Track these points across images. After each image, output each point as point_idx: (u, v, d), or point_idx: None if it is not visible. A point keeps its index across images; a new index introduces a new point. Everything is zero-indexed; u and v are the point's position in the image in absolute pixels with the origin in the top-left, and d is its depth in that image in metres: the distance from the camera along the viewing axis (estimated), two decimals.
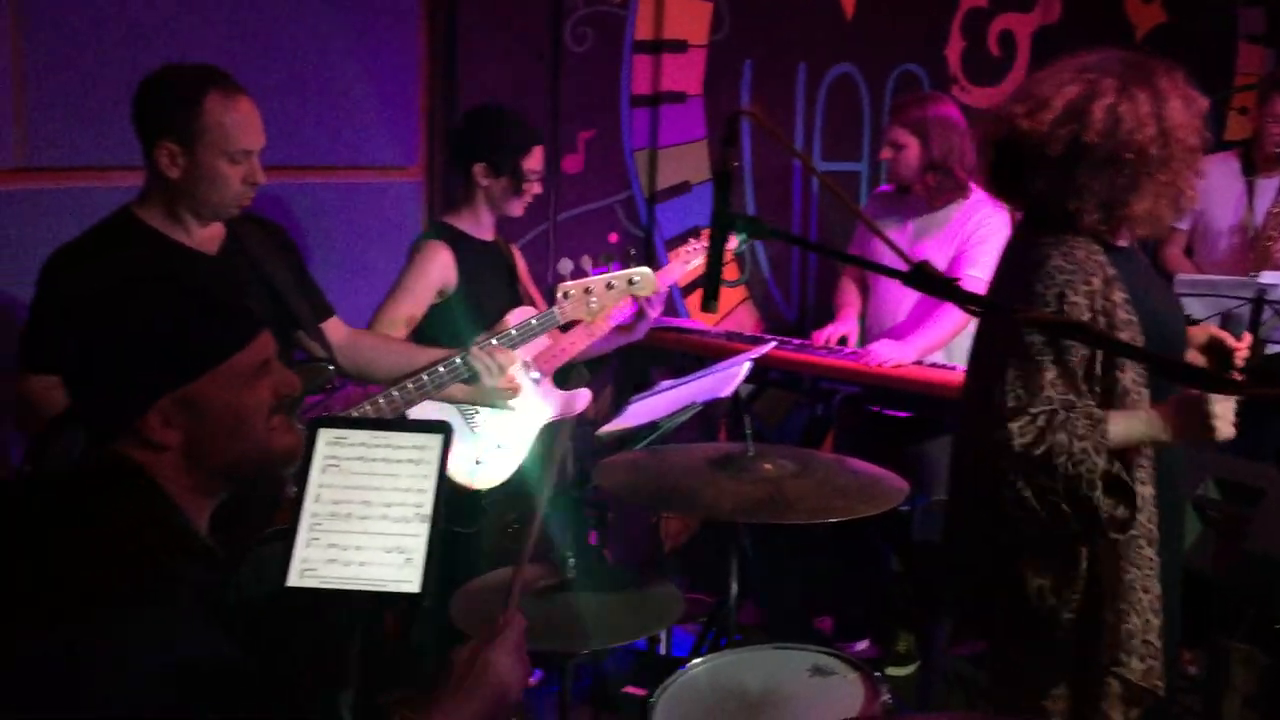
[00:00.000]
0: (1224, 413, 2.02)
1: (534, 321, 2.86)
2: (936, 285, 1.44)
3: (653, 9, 4.21)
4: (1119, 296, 2.10)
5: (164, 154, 2.25)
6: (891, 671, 3.75)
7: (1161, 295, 2.29)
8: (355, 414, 2.55)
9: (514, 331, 2.81)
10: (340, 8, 3.42)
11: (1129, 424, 2.03)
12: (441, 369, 2.65)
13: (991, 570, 2.17)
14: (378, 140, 3.54)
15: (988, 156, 2.24)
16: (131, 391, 1.47)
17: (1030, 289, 2.08)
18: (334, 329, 2.66)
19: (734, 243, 3.57)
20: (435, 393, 2.67)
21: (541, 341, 3.10)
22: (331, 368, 2.52)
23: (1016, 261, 2.20)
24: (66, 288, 2.22)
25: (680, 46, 4.30)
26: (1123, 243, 2.20)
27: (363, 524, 1.85)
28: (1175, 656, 2.31)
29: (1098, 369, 2.07)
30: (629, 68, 4.18)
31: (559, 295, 2.91)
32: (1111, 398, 2.06)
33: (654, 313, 3.24)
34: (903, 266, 1.47)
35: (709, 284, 1.60)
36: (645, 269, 2.97)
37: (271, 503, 2.31)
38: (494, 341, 2.74)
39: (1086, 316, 2.05)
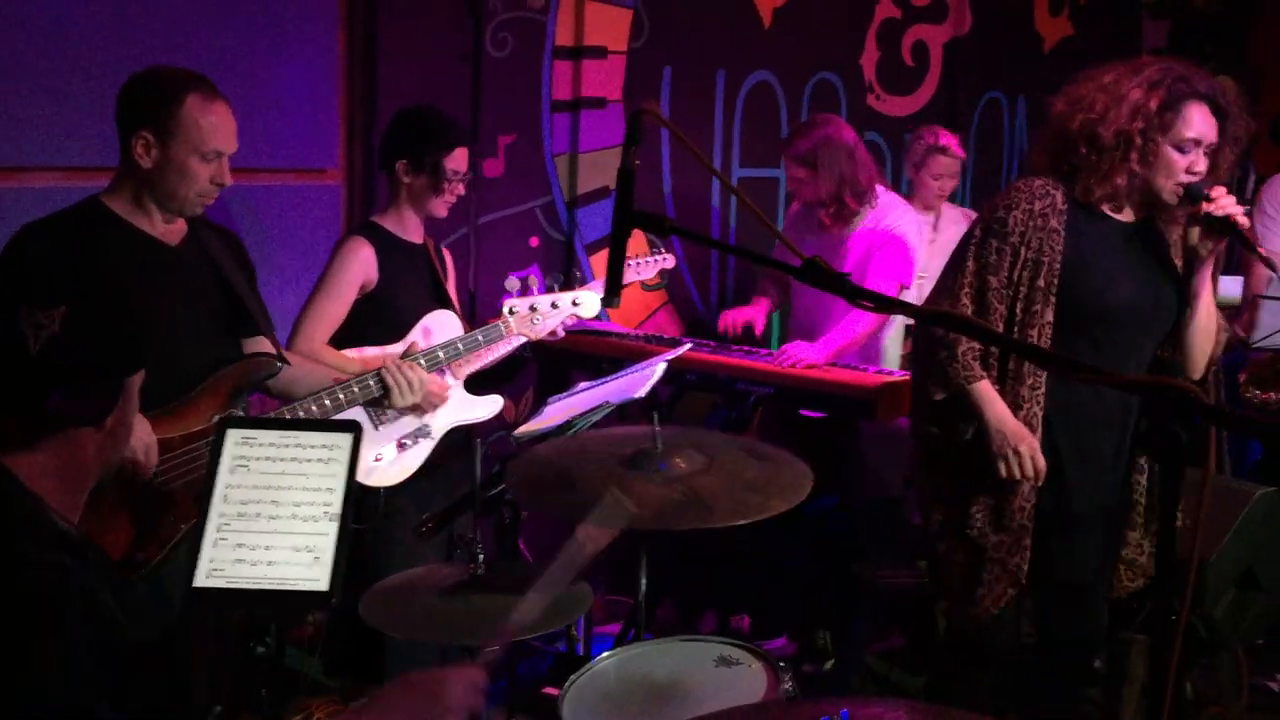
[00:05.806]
0: (1020, 456, 2.54)
1: (480, 336, 2.91)
2: (826, 279, 1.49)
3: (573, 15, 4.24)
4: (1055, 228, 2.47)
5: (140, 144, 2.36)
6: (808, 668, 3.81)
7: (1129, 270, 2.55)
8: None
9: (460, 345, 2.87)
10: (259, 9, 3.41)
11: (988, 406, 2.54)
12: (355, 387, 2.71)
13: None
14: (297, 142, 3.53)
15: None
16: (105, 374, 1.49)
17: (994, 205, 2.58)
18: (263, 348, 2.67)
19: (670, 263, 3.64)
20: (346, 409, 2.69)
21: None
22: (279, 364, 2.59)
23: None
24: (32, 264, 2.30)
25: (600, 53, 4.35)
26: (1118, 215, 2.57)
27: (271, 523, 1.86)
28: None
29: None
30: (549, 73, 4.20)
31: (505, 311, 2.95)
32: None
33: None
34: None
35: (610, 279, 1.63)
36: (590, 292, 3.03)
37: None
38: (419, 360, 2.77)
39: (1020, 230, 2.48)
